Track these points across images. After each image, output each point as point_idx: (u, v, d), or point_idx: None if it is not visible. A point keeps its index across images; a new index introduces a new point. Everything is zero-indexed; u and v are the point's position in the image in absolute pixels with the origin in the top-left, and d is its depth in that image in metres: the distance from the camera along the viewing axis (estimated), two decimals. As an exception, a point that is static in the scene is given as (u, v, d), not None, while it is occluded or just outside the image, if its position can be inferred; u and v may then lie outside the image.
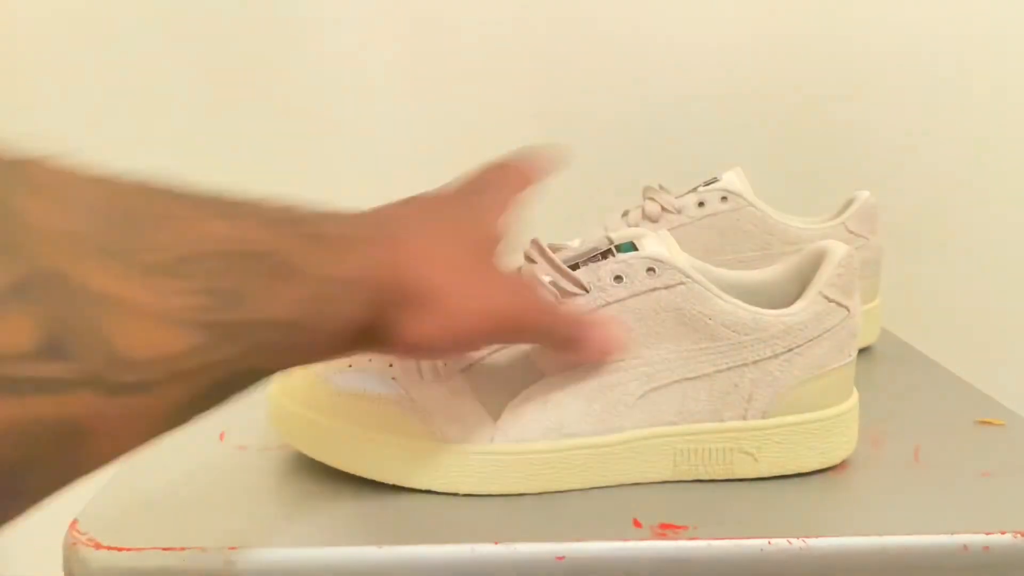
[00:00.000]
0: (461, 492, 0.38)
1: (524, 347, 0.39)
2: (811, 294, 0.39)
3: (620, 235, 0.41)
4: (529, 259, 0.40)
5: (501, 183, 0.40)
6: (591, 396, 0.38)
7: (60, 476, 0.20)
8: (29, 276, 0.19)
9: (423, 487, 0.38)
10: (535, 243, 0.40)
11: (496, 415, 0.38)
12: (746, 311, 0.38)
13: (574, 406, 0.38)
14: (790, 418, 0.39)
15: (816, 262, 0.41)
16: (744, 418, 0.39)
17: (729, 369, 0.39)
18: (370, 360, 0.39)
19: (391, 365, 0.39)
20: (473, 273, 0.33)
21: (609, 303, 0.38)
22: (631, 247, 0.39)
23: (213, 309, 0.23)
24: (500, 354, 0.39)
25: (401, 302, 0.30)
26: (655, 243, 0.39)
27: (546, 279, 0.39)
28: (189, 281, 0.22)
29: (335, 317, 0.28)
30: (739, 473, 0.39)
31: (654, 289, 0.38)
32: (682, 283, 0.38)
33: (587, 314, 0.38)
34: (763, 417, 0.39)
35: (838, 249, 0.40)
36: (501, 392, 0.38)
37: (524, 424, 0.38)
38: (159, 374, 0.21)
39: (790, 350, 0.39)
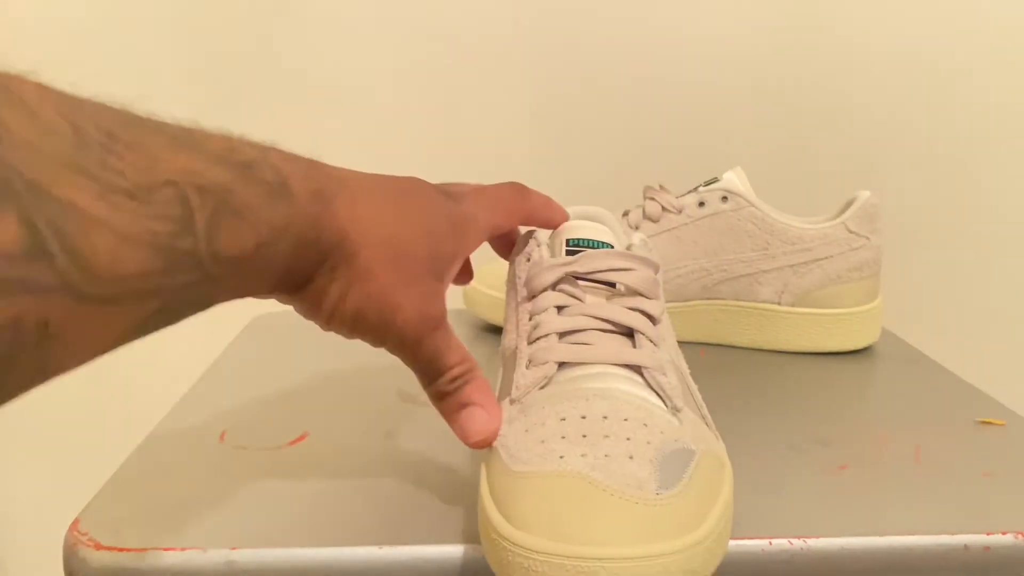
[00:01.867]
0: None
1: (668, 356, 0.36)
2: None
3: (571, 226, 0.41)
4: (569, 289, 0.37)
5: (501, 206, 0.39)
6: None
7: (33, 376, 0.21)
8: (10, 180, 0.19)
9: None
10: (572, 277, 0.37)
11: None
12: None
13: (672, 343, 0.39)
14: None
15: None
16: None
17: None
18: (593, 438, 0.30)
19: (626, 420, 0.31)
20: (408, 268, 0.32)
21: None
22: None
23: (172, 236, 0.24)
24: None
25: (323, 263, 0.31)
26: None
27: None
28: (153, 207, 0.23)
29: (270, 260, 0.29)
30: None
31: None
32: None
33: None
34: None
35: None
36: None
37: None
38: (120, 289, 0.22)
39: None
